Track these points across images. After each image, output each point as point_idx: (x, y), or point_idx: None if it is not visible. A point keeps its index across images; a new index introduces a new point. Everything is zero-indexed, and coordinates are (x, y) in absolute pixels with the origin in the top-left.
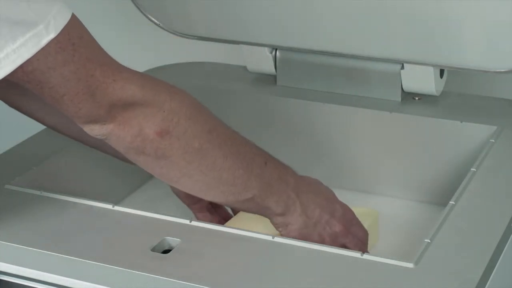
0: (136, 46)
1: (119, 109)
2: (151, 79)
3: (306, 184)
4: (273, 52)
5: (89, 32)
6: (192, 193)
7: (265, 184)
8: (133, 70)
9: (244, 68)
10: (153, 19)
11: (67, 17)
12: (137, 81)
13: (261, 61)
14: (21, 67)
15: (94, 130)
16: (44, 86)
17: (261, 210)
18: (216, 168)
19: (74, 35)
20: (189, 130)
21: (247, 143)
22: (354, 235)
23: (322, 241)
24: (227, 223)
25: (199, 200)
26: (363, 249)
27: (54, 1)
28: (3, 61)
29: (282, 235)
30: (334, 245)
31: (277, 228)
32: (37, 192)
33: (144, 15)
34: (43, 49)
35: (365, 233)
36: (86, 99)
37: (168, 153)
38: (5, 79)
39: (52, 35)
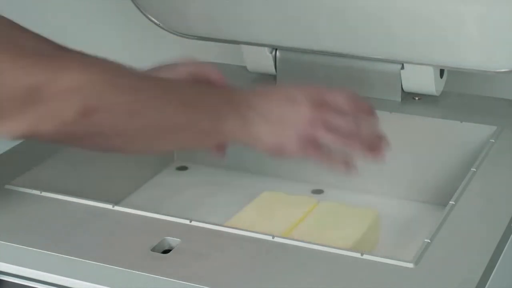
0: (136, 46)
1: (28, 101)
2: (56, 57)
3: (253, 94)
4: (273, 52)
5: None
6: (146, 152)
7: (212, 113)
8: (36, 53)
9: (244, 68)
10: (153, 19)
11: None
12: (41, 63)
13: (261, 61)
14: None
15: (12, 131)
16: None
17: (223, 138)
18: (157, 122)
19: None
20: (112, 97)
21: (178, 84)
22: (332, 105)
23: (304, 132)
24: (228, 223)
25: None
26: (355, 107)
27: None
28: None
29: (262, 152)
30: (315, 128)
31: (251, 147)
32: (37, 192)
33: (144, 15)
34: None
35: (345, 90)
36: None
37: (99, 129)
38: None
39: None
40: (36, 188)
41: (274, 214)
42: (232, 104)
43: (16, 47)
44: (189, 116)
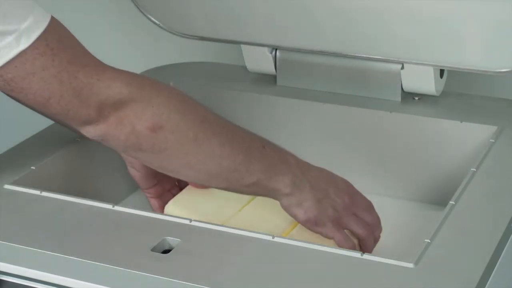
0: (136, 46)
1: (109, 109)
2: (136, 76)
3: (305, 162)
4: (273, 52)
5: (70, 34)
6: (196, 182)
7: (268, 166)
8: (117, 69)
9: (244, 68)
10: (153, 19)
11: (44, 25)
12: (122, 79)
13: (261, 61)
14: (0, 75)
15: (90, 132)
16: (27, 92)
17: (270, 193)
18: (215, 156)
19: (52, 40)
20: (181, 122)
21: (242, 130)
22: (360, 203)
23: (336, 214)
24: (228, 223)
25: (154, 185)
26: (374, 216)
27: (31, 9)
28: None
29: (297, 218)
30: (348, 216)
31: (289, 210)
32: (37, 192)
33: (144, 15)
34: (20, 56)
35: (369, 201)
36: (72, 101)
37: (164, 146)
38: None
39: (23, 46)
40: (36, 188)
41: (274, 214)
42: (287, 164)
43: (96, 62)
44: (248, 164)
